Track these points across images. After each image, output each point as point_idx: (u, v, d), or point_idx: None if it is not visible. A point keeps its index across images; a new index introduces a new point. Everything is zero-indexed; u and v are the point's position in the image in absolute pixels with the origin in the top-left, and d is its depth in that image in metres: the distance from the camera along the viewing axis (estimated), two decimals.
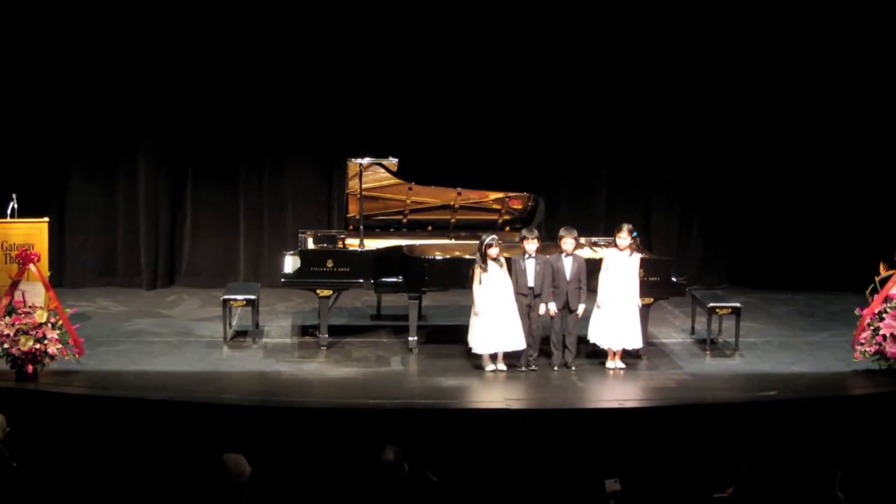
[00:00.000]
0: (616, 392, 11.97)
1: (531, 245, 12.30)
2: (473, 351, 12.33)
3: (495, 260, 12.20)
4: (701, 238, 16.73)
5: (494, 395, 11.77)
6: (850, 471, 7.60)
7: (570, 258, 12.41)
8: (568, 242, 12.38)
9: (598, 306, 12.49)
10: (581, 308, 12.39)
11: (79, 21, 15.56)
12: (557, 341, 12.48)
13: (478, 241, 12.46)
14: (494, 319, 12.18)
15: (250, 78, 15.96)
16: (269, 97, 16.03)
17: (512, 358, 12.37)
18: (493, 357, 12.34)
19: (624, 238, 12.32)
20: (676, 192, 16.68)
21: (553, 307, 12.35)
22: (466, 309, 12.49)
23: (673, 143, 16.44)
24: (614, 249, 12.46)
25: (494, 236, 12.35)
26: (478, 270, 12.21)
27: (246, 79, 15.96)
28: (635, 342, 12.53)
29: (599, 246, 13.57)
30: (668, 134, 16.43)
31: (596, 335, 12.53)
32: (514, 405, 11.41)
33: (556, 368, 12.46)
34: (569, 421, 11.00)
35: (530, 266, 12.34)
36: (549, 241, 13.12)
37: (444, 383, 11.95)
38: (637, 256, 12.46)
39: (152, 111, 15.92)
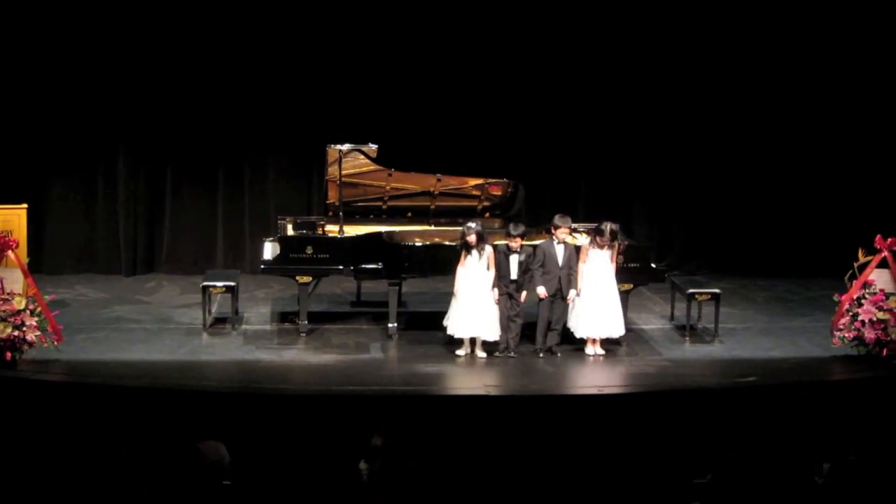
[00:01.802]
0: (595, 378, 12.02)
1: (515, 244, 12.32)
2: (448, 333, 12.36)
3: (476, 247, 12.17)
4: (680, 225, 16.71)
5: (474, 381, 11.77)
6: (829, 457, 7.62)
7: (562, 245, 12.42)
8: (562, 232, 12.40)
9: (577, 295, 12.48)
10: (572, 294, 12.40)
11: (59, 17, 15.47)
12: (542, 327, 12.47)
13: (458, 228, 12.42)
14: (471, 305, 12.21)
15: (230, 66, 15.86)
16: (249, 83, 15.94)
17: (490, 346, 12.37)
18: (471, 342, 12.34)
19: (605, 239, 12.36)
20: (656, 178, 16.65)
21: (543, 290, 12.35)
22: (446, 296, 12.51)
23: (651, 129, 16.43)
24: (594, 244, 12.47)
25: (471, 224, 12.36)
26: (464, 253, 12.25)
27: (226, 67, 15.86)
28: (617, 330, 12.54)
29: (579, 232, 13.56)
30: (647, 120, 16.41)
31: (576, 323, 12.53)
32: (494, 391, 11.45)
33: (540, 355, 12.45)
34: (548, 407, 11.03)
35: (514, 260, 12.35)
36: (530, 227, 13.12)
37: (423, 370, 11.98)
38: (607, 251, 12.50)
39: (133, 101, 15.82)
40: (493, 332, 12.30)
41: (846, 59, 16.22)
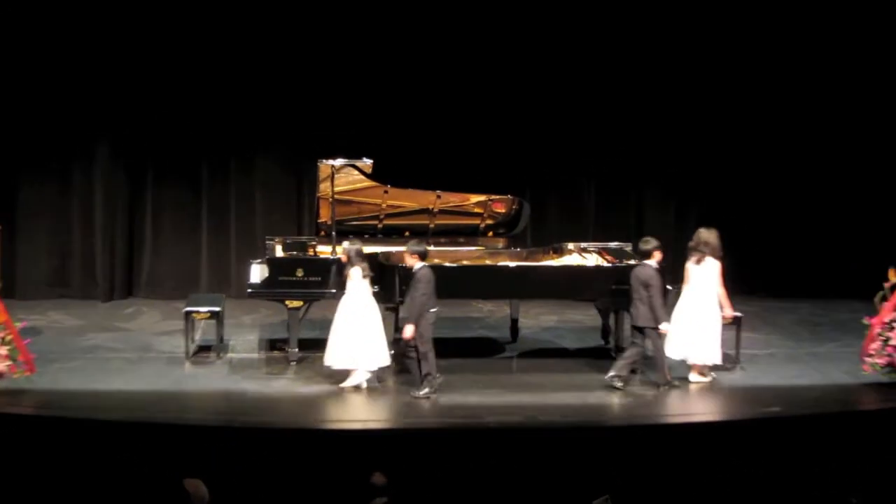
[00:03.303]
0: (613, 410, 11.95)
1: (411, 261, 12.14)
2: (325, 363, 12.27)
3: (352, 268, 12.15)
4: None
5: (489, 412, 11.68)
6: (859, 492, 7.60)
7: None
8: (408, 260, 12.23)
9: (673, 319, 12.44)
10: (664, 326, 12.24)
11: (28, 13, 15.46)
12: (662, 360, 12.29)
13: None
14: (352, 333, 12.11)
15: (214, 74, 15.89)
16: (235, 94, 15.96)
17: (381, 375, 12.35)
18: (360, 374, 12.23)
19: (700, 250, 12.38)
20: (670, 194, 16.70)
21: (665, 327, 12.20)
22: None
23: (667, 144, 16.48)
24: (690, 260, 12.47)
25: (346, 243, 12.45)
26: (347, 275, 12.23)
27: (210, 75, 15.89)
28: (709, 357, 12.46)
29: (589, 252, 13.61)
30: (662, 135, 16.46)
31: (674, 348, 12.48)
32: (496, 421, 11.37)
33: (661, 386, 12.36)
34: (561, 440, 10.98)
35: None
36: (536, 246, 13.13)
37: (423, 401, 11.90)
38: (709, 264, 12.42)
39: (110, 109, 15.83)
40: (368, 363, 12.13)
41: (879, 78, 16.29)
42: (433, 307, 12.06)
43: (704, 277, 12.43)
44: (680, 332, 12.42)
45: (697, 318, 12.43)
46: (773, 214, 16.62)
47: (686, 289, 12.56)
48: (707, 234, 12.49)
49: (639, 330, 12.34)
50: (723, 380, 12.74)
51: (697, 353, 12.46)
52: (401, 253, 13.14)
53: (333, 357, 12.16)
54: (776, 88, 16.38)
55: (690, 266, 12.52)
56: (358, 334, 12.10)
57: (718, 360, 12.53)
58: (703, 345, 12.42)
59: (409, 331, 11.92)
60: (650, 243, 12.42)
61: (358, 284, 12.14)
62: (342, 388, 12.17)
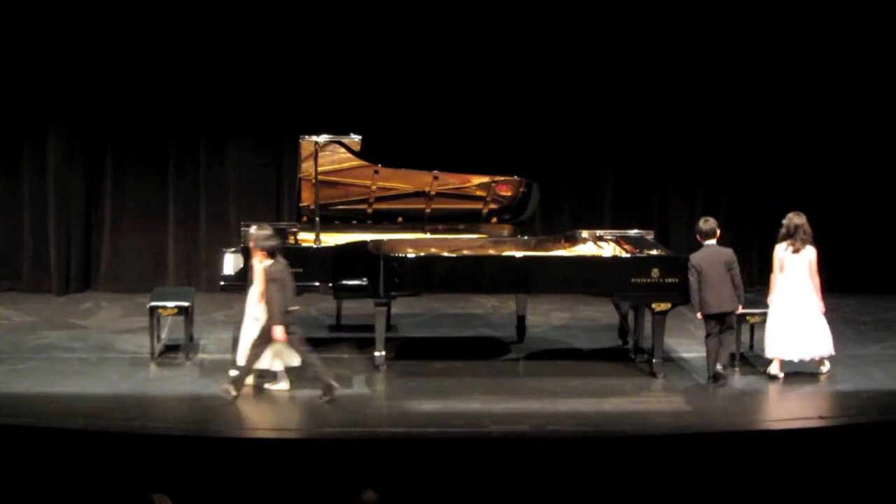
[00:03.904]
0: (630, 419, 11.90)
1: (259, 259, 12.05)
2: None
3: (251, 258, 12.26)
4: (729, 231, 16.59)
5: (492, 420, 11.66)
6: None
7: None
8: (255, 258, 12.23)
9: (772, 313, 12.86)
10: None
11: None
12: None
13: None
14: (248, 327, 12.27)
15: (179, 42, 15.92)
16: (203, 63, 16.00)
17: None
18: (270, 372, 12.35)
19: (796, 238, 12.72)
20: (698, 176, 16.77)
21: (278, 332, 11.97)
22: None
23: (694, 127, 16.60)
24: (786, 248, 12.79)
25: (253, 227, 12.31)
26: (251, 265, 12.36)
27: (173, 43, 15.92)
28: (824, 348, 12.82)
29: (605, 241, 13.65)
30: (689, 105, 16.57)
31: (784, 348, 12.76)
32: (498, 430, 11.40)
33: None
34: (565, 450, 10.97)
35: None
36: (545, 236, 13.31)
37: (418, 408, 11.92)
38: (808, 251, 12.77)
39: (64, 86, 15.87)
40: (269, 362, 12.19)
41: None
42: (293, 306, 12.03)
43: (803, 266, 12.73)
44: (788, 328, 12.73)
45: (805, 310, 12.74)
46: (815, 204, 16.55)
47: (781, 280, 12.79)
48: (801, 219, 12.77)
49: (718, 317, 12.56)
50: (753, 385, 12.78)
51: (816, 348, 12.78)
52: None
53: (242, 355, 12.24)
54: (819, 78, 16.59)
55: (786, 256, 12.78)
56: (246, 329, 12.25)
57: (833, 351, 12.89)
58: (820, 337, 12.78)
59: (278, 332, 11.85)
60: (710, 222, 12.73)
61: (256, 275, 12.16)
62: (267, 390, 12.26)
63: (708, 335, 12.64)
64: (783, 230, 12.79)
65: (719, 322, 12.56)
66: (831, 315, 15.24)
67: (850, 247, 16.59)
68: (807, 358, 12.76)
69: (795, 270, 12.73)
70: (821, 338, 12.77)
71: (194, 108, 16.12)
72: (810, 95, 16.57)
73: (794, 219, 12.75)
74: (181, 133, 16.27)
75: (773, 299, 12.84)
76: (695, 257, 12.60)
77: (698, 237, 12.72)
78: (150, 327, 13.23)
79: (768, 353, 12.86)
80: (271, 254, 11.97)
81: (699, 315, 12.63)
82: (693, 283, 12.53)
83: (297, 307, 12.09)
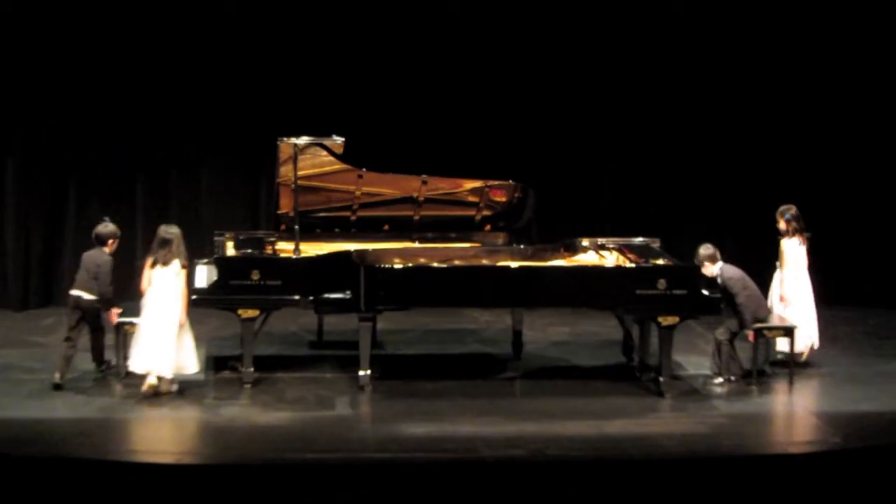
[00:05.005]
0: (636, 443, 11.89)
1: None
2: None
3: (162, 256, 12.73)
4: (738, 237, 16.74)
5: (485, 445, 11.65)
6: None
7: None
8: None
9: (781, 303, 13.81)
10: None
11: None
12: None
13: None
14: (152, 332, 12.59)
15: (148, 32, 16.06)
16: (174, 58, 16.14)
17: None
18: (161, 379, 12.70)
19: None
20: (703, 178, 16.91)
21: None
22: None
23: (703, 109, 16.80)
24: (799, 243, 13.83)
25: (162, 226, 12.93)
26: (149, 262, 12.82)
27: (142, 34, 16.06)
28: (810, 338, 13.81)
29: (607, 250, 13.74)
30: (695, 99, 16.77)
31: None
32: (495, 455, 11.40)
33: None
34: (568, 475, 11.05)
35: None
36: (543, 244, 13.42)
37: (405, 431, 11.94)
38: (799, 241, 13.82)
39: (28, 92, 16.06)
40: (166, 369, 12.63)
41: None
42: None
43: (803, 256, 13.81)
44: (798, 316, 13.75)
45: (804, 299, 13.86)
46: (835, 203, 16.84)
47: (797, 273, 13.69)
48: (794, 210, 13.83)
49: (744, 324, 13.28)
50: (769, 405, 12.89)
51: (805, 338, 13.79)
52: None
53: (133, 359, 12.70)
54: (841, 81, 16.85)
55: (792, 246, 13.78)
56: (160, 334, 12.57)
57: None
58: (810, 327, 13.84)
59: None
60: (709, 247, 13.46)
61: (166, 276, 12.59)
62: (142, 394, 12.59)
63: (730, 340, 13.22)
64: (787, 223, 13.64)
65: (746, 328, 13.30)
66: (853, 329, 15.50)
67: (874, 255, 16.86)
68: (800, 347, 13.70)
69: (802, 261, 13.69)
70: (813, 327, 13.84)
71: (163, 107, 16.21)
72: (817, 100, 16.85)
73: (793, 209, 13.78)
74: (149, 134, 16.33)
75: (790, 291, 13.68)
76: (736, 269, 13.18)
77: (710, 263, 13.23)
78: (116, 345, 13.26)
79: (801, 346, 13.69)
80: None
81: (752, 335, 13.18)
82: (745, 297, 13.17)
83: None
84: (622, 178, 16.89)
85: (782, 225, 13.76)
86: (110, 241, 13.22)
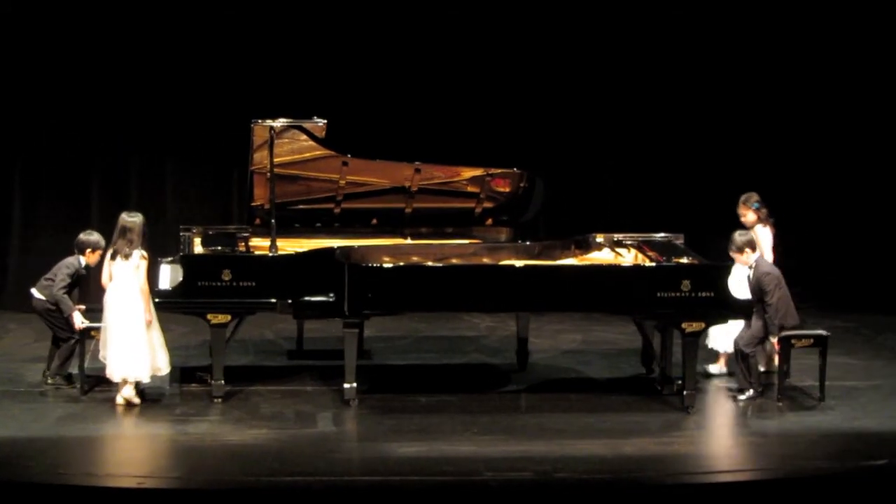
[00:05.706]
0: (655, 464, 11.78)
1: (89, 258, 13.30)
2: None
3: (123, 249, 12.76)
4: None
5: (487, 466, 11.52)
6: None
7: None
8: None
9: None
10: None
11: None
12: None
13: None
14: (121, 336, 12.67)
15: (114, 24, 16.21)
16: (133, 29, 16.22)
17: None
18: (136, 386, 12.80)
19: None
20: (730, 167, 16.93)
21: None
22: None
23: (722, 96, 17.00)
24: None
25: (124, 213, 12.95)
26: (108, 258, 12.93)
27: (108, 26, 16.22)
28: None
29: (625, 246, 13.69)
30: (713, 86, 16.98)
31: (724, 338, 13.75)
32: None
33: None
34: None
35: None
36: (551, 241, 13.56)
37: (396, 451, 11.81)
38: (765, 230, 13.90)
39: None
40: (144, 371, 12.73)
41: None
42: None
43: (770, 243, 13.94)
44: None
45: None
46: (878, 200, 17.03)
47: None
48: (757, 196, 13.94)
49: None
50: (804, 422, 12.72)
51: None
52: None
53: (109, 368, 12.73)
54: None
55: (765, 234, 13.83)
56: (130, 337, 12.63)
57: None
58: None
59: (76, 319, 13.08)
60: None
61: (127, 269, 12.69)
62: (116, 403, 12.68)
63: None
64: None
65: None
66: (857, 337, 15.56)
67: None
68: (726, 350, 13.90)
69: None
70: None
71: (121, 85, 16.31)
72: (818, 100, 17.25)
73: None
74: (105, 117, 16.46)
75: None
76: (772, 266, 13.22)
77: (750, 250, 13.15)
78: (79, 352, 13.25)
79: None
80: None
81: (777, 343, 13.04)
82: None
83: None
84: (642, 166, 17.08)
85: (751, 215, 13.79)
86: (88, 251, 13.26)
